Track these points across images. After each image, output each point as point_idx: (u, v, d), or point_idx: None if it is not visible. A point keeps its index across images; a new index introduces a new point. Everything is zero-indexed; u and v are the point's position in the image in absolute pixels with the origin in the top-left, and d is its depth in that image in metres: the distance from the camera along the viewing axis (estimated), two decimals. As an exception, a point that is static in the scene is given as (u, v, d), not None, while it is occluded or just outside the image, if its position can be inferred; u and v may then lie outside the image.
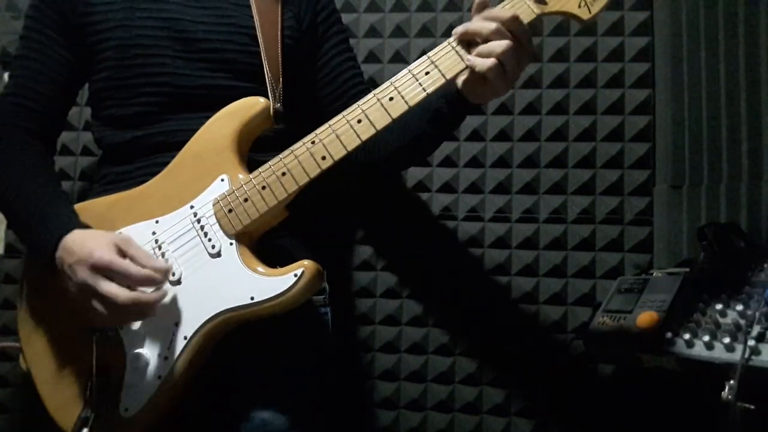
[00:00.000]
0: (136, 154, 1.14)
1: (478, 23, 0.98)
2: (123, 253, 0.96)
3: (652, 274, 1.32)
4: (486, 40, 0.96)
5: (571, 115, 1.57)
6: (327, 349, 1.23)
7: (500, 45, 0.95)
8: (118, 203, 1.08)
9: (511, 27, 0.96)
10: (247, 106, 1.08)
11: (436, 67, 1.00)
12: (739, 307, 1.02)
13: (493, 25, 0.96)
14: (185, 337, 0.99)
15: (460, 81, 1.03)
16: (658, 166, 1.53)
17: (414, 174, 1.60)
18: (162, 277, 0.97)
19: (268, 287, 0.98)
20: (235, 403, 1.05)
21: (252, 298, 0.98)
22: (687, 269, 1.22)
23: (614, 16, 1.57)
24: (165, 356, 0.99)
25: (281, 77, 1.17)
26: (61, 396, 1.05)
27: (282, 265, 1.00)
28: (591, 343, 1.31)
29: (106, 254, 0.94)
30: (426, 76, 1.00)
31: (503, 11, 0.97)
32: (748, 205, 1.34)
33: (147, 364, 1.00)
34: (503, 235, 1.56)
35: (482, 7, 0.99)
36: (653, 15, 1.56)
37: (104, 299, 0.93)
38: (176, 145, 1.10)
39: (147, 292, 0.95)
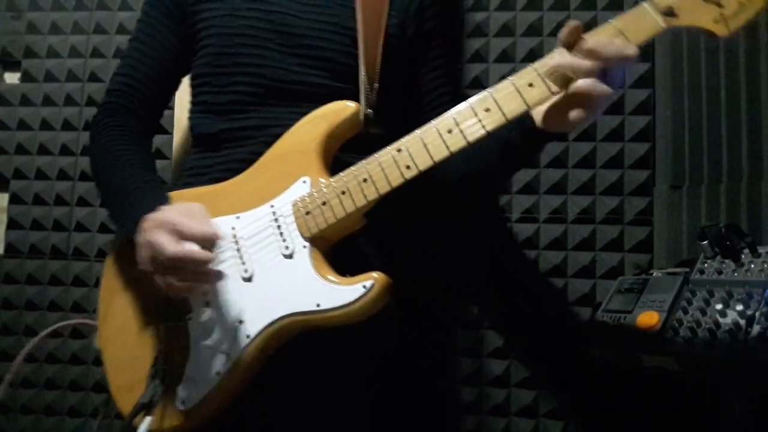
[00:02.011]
0: (221, 146, 1.15)
1: (577, 62, 0.91)
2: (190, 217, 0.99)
3: (652, 274, 1.32)
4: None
5: (571, 115, 1.57)
6: (386, 357, 1.21)
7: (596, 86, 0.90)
8: (206, 196, 1.09)
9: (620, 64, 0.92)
10: (337, 110, 1.07)
11: (543, 81, 0.92)
12: (739, 307, 1.02)
13: (591, 64, 0.91)
14: (248, 336, 0.98)
15: (538, 110, 0.96)
16: (658, 166, 1.53)
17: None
18: (207, 237, 0.96)
19: (335, 296, 0.95)
20: (284, 410, 1.06)
21: (318, 305, 0.96)
22: (687, 269, 1.21)
23: (614, 16, 1.57)
24: (227, 353, 0.98)
25: (378, 80, 1.15)
26: (123, 379, 1.06)
27: (355, 274, 0.97)
28: (591, 343, 1.31)
29: (169, 214, 0.98)
30: (530, 88, 0.92)
31: (609, 48, 0.92)
32: (748, 205, 1.34)
33: (209, 358, 0.98)
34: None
35: (576, 35, 0.92)
36: (653, 15, 1.56)
37: (155, 249, 0.95)
38: (261, 138, 1.11)
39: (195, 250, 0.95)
